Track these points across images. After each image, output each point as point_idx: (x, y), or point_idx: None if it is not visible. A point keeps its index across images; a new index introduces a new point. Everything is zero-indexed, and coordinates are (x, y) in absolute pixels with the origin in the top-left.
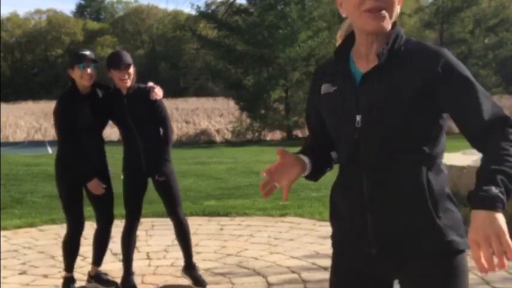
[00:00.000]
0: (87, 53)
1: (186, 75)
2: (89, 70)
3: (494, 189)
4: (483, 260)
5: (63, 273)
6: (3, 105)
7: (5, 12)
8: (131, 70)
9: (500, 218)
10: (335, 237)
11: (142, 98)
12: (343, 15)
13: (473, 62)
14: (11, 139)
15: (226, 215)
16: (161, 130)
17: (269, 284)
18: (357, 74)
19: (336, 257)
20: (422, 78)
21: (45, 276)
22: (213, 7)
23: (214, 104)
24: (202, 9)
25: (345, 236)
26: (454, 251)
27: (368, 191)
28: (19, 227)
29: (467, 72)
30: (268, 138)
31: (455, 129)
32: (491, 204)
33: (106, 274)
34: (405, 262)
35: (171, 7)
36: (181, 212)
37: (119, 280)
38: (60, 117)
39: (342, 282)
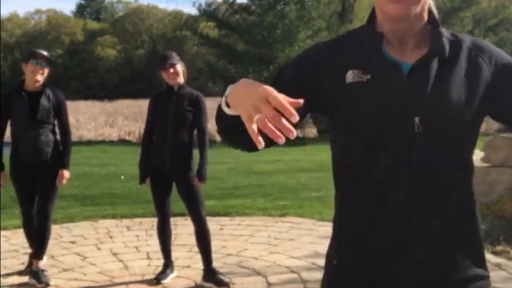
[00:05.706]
0: (44, 52)
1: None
2: (40, 66)
3: None
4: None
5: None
6: None
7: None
8: (178, 68)
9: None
10: (348, 260)
11: (190, 101)
12: None
13: None
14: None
15: (226, 214)
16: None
17: (269, 283)
18: (401, 64)
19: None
20: (481, 74)
21: None
22: (213, 7)
23: (214, 104)
24: (203, 7)
25: (368, 260)
26: (487, 276)
27: (418, 215)
28: (19, 227)
29: None
30: None
31: None
32: None
33: (44, 270)
34: None
35: (171, 7)
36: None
37: (118, 280)
38: None
39: None
